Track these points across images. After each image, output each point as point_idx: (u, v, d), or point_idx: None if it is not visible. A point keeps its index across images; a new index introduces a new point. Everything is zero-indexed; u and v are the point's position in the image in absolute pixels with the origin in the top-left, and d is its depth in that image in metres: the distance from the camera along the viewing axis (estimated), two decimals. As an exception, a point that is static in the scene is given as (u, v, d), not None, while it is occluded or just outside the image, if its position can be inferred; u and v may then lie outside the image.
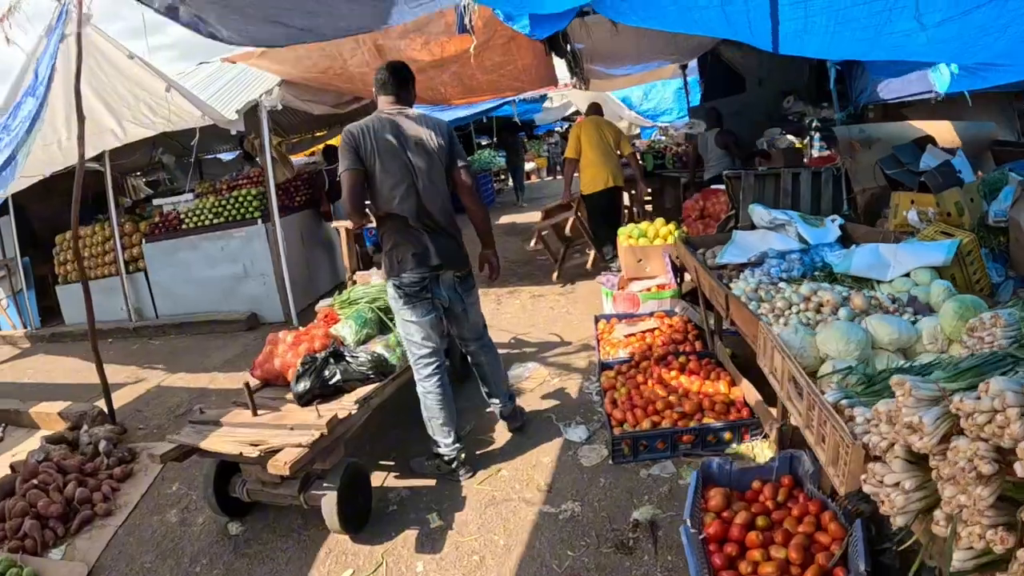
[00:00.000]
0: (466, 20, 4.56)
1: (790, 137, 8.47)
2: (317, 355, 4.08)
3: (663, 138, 10.12)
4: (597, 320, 5.91)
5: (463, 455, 4.06)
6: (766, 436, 3.97)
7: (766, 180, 6.33)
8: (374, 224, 3.95)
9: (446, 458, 4.01)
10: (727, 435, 4.03)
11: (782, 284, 4.57)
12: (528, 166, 22.19)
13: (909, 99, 7.51)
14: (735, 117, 10.44)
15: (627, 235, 6.61)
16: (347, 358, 4.11)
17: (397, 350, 4.39)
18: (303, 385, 3.89)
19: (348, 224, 7.43)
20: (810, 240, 5.57)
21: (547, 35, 4.61)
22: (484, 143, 23.86)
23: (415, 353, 3.96)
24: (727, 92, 10.94)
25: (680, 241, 5.80)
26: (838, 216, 6.08)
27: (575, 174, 8.05)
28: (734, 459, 3.72)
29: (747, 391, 4.31)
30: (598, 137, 7.80)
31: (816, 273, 4.97)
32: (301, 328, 4.83)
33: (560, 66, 8.15)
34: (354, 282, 5.73)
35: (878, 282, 4.43)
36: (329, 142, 11.44)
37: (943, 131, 6.91)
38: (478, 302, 4.25)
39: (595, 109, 8.40)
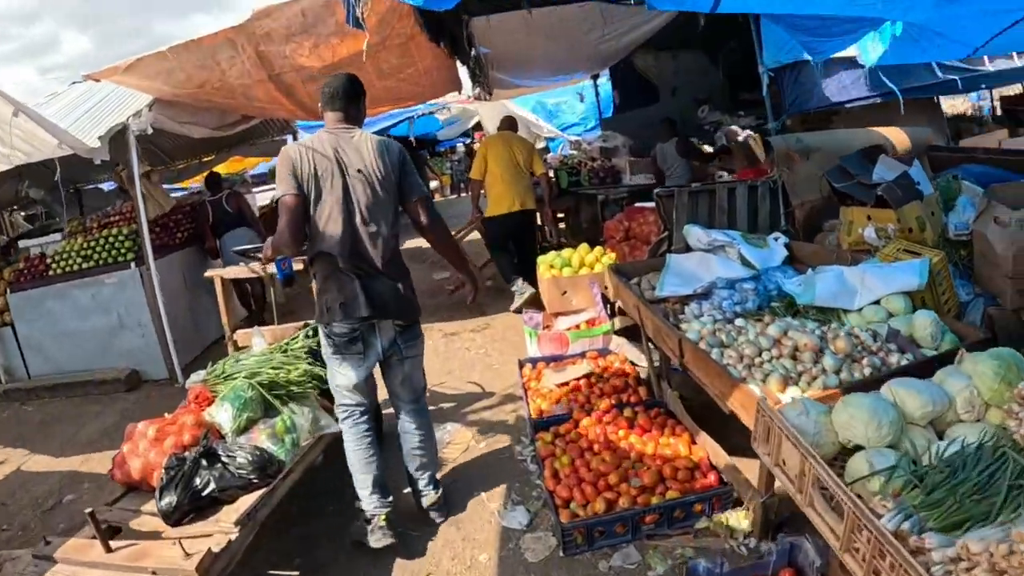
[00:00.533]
0: (358, 11, 3.91)
1: (747, 131, 7.95)
2: (186, 455, 3.26)
3: (575, 153, 9.50)
4: (521, 365, 5.20)
5: (388, 518, 3.51)
6: (739, 502, 3.41)
7: (699, 197, 5.84)
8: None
9: (366, 515, 3.54)
10: (696, 507, 3.40)
11: (739, 322, 4.02)
12: (431, 184, 21.38)
13: (838, 106, 7.12)
14: (648, 128, 10.01)
15: (548, 265, 5.93)
16: (223, 458, 3.30)
17: (287, 439, 3.62)
18: (168, 500, 3.08)
19: (225, 272, 6.47)
20: (756, 263, 5.09)
21: (450, 5, 3.87)
22: None
23: (339, 401, 3.60)
24: (641, 103, 10.52)
25: (610, 270, 5.19)
26: (780, 234, 5.58)
27: (481, 192, 7.42)
28: (716, 540, 3.20)
29: (711, 450, 3.75)
30: (507, 155, 7.14)
31: (774, 304, 4.42)
32: (167, 415, 3.90)
33: (463, 75, 7.45)
34: (236, 345, 4.72)
35: (844, 311, 3.98)
36: (215, 168, 10.33)
37: (881, 137, 6.64)
38: (421, 357, 3.78)
39: (508, 124, 7.70)
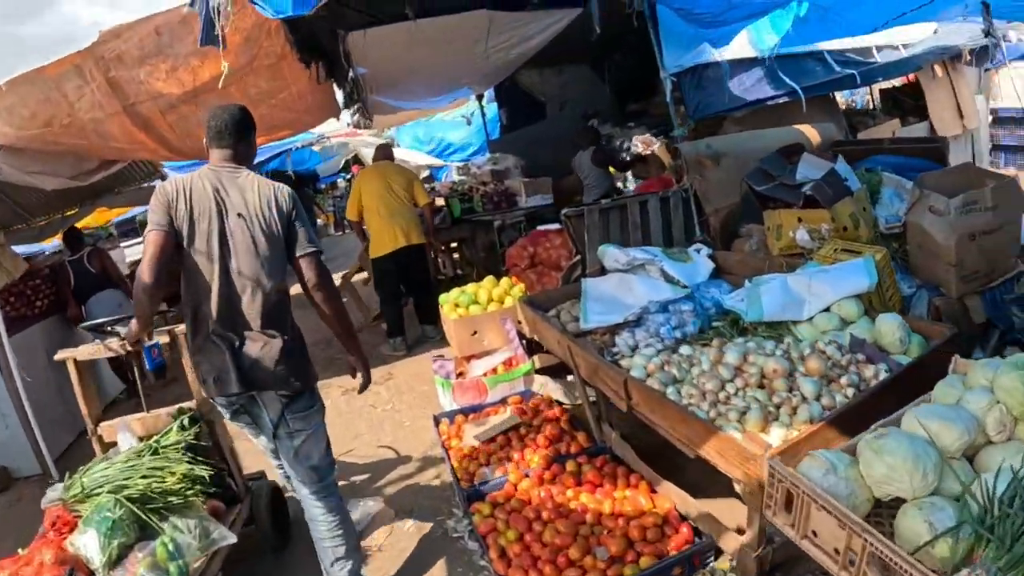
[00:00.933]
0: (218, 27, 3.44)
1: (649, 137, 7.63)
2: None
3: (465, 178, 9.01)
4: (437, 421, 4.60)
5: None
6: (720, 553, 3.05)
7: (610, 213, 5.44)
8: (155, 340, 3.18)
9: None
10: (676, 570, 2.94)
11: (685, 349, 3.59)
12: (317, 223, 20.44)
13: (743, 107, 6.90)
14: (537, 145, 9.71)
15: (453, 304, 5.39)
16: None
17: (172, 568, 2.88)
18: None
19: (78, 353, 5.48)
20: (682, 280, 4.73)
21: (307, 9, 3.36)
22: None
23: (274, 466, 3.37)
24: (528, 120, 10.17)
25: (524, 304, 4.70)
26: (702, 246, 5.26)
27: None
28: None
29: (677, 498, 3.34)
30: (381, 188, 6.60)
31: (716, 324, 4.01)
32: (21, 551, 3.08)
33: (341, 99, 6.86)
34: (102, 442, 3.76)
35: (794, 323, 3.69)
36: (78, 223, 9.23)
37: (791, 136, 6.41)
38: (319, 431, 3.23)
39: (384, 153, 7.14)
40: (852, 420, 2.63)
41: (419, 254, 6.85)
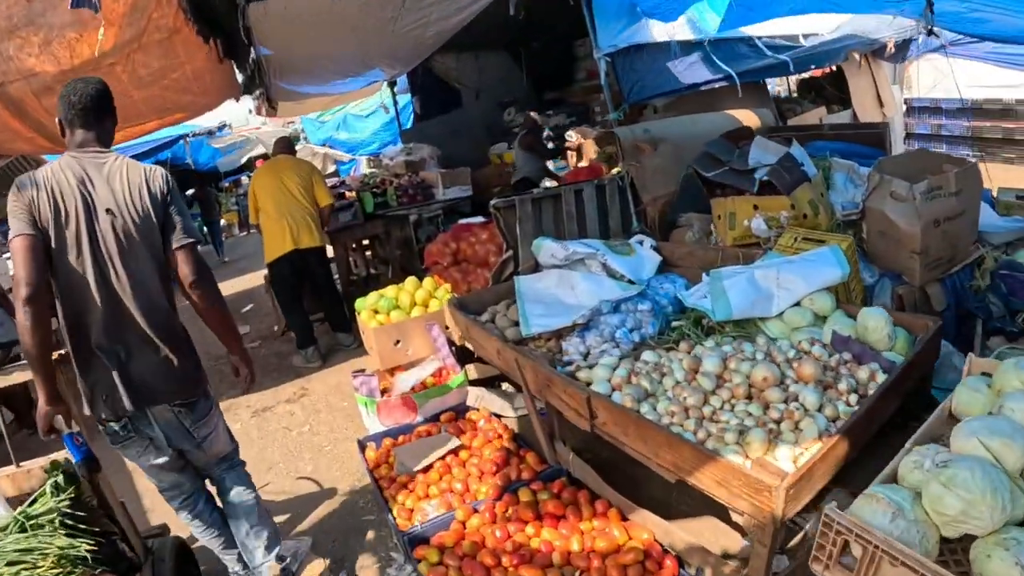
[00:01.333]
0: None
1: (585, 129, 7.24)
2: None
3: (376, 171, 8.45)
4: (363, 447, 4.09)
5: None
6: None
7: (542, 204, 5.01)
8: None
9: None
10: None
11: (649, 355, 3.20)
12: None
13: (677, 92, 6.64)
14: (453, 135, 9.27)
15: (371, 309, 4.87)
16: None
17: None
18: None
19: None
20: (627, 275, 4.31)
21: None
22: None
23: (158, 488, 3.10)
24: (443, 109, 9.70)
25: (452, 307, 4.26)
26: (645, 237, 4.94)
27: None
28: None
29: (656, 527, 2.93)
30: (274, 185, 6.03)
31: (676, 324, 3.66)
32: None
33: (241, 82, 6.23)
34: None
35: (762, 320, 3.44)
36: None
37: (730, 121, 6.32)
38: (218, 428, 3.06)
39: (283, 146, 6.53)
40: (861, 432, 2.31)
41: (317, 257, 6.26)
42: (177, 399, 2.78)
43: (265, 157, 16.36)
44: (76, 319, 2.64)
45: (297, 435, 4.93)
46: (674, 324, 3.67)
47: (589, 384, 3.04)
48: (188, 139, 11.93)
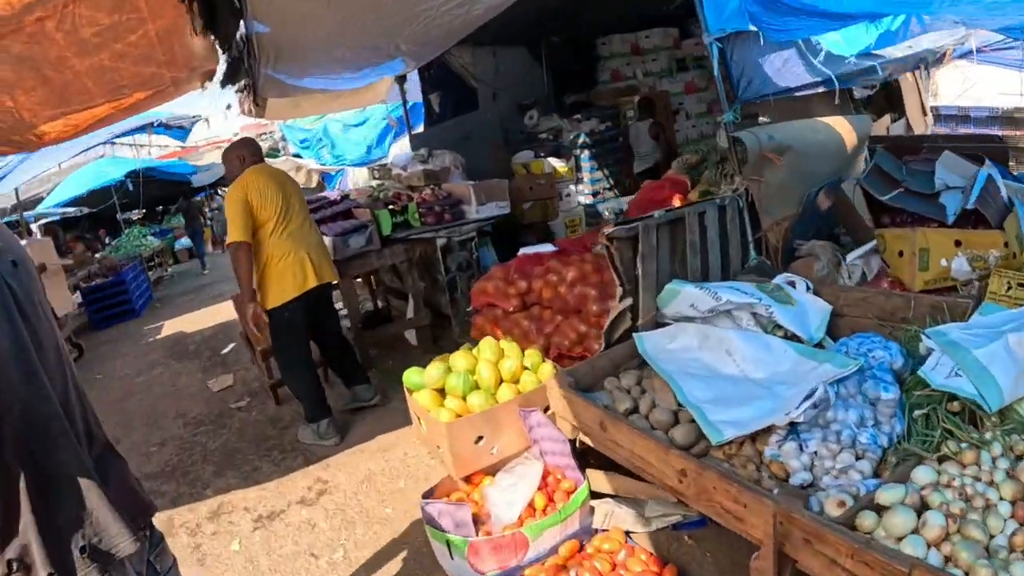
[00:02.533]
0: None
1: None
2: None
3: (385, 183, 6.98)
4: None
5: None
6: None
7: (659, 232, 3.65)
8: None
9: None
10: None
11: (923, 474, 1.97)
12: (186, 242, 17.99)
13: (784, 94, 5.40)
14: (466, 142, 7.91)
15: (434, 388, 3.43)
16: None
17: None
18: None
19: None
20: (798, 332, 3.27)
21: None
22: (135, 218, 19.32)
23: None
24: (457, 110, 8.32)
25: (568, 391, 2.89)
26: (795, 277, 3.74)
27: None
28: None
29: None
30: (281, 200, 4.45)
31: (921, 413, 2.38)
32: None
33: (221, 70, 4.78)
34: None
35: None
36: None
37: (838, 127, 5.21)
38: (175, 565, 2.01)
39: (252, 148, 4.80)
40: None
41: (329, 295, 4.85)
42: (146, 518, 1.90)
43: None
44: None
45: (328, 567, 3.36)
46: (916, 414, 2.37)
47: (868, 533, 1.73)
48: (151, 128, 10.13)
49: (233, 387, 6.20)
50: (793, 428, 2.54)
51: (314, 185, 13.00)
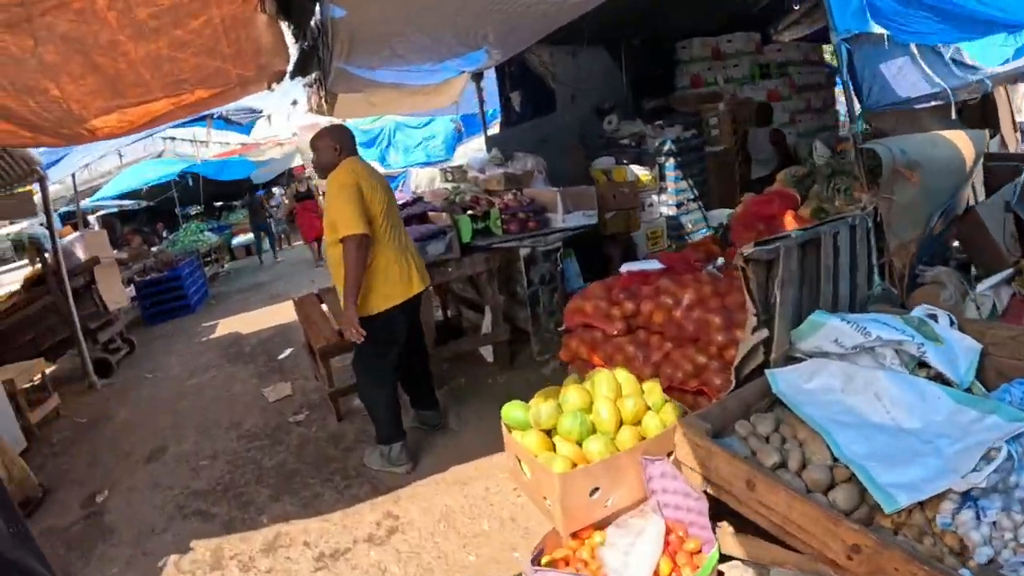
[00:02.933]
0: None
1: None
2: None
3: (460, 186, 6.59)
4: None
5: None
6: None
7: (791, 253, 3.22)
8: None
9: None
10: None
11: None
12: (243, 239, 17.72)
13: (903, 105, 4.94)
14: (543, 146, 7.48)
15: (539, 432, 3.00)
16: None
17: None
18: None
19: None
20: (948, 374, 2.82)
21: None
22: (193, 213, 19.32)
23: None
24: (536, 111, 7.92)
25: (703, 439, 2.46)
26: (935, 310, 3.26)
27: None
28: None
29: None
30: (386, 194, 4.03)
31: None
32: None
33: (293, 61, 4.48)
34: None
35: None
36: None
37: (958, 141, 4.66)
38: None
39: (349, 140, 4.17)
40: None
41: (420, 303, 4.37)
42: None
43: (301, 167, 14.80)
44: None
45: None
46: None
47: None
48: (212, 120, 9.80)
49: (292, 397, 5.81)
50: (967, 492, 2.10)
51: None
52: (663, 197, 7.43)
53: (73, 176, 10.31)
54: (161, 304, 10.76)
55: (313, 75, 5.33)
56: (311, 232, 12.70)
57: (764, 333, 3.00)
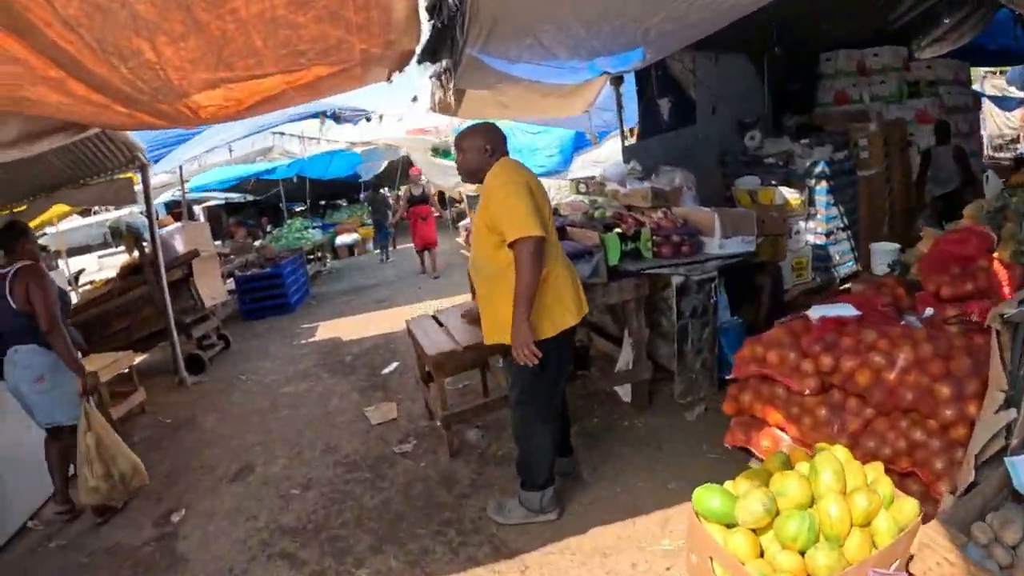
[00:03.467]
0: None
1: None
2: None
3: (598, 199, 6.05)
4: None
5: None
6: None
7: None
8: None
9: None
10: None
11: None
12: (347, 239, 17.42)
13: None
14: (683, 158, 6.90)
15: (749, 524, 2.43)
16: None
17: None
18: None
19: None
20: None
21: None
22: (298, 210, 19.34)
23: None
24: (674, 122, 7.32)
25: (958, 554, 1.85)
26: None
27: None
28: None
29: None
30: (547, 200, 3.49)
31: None
32: None
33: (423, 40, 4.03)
34: None
35: None
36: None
37: None
38: None
39: (501, 141, 3.56)
40: None
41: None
42: None
43: (410, 163, 14.34)
44: None
45: None
46: None
47: None
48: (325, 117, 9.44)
49: (396, 422, 5.28)
50: None
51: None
52: (811, 224, 6.75)
53: (180, 167, 10.18)
54: (260, 301, 10.52)
55: (443, 63, 4.76)
56: (421, 241, 12.06)
57: (1012, 414, 2.39)
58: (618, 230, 4.75)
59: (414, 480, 4.32)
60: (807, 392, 3.19)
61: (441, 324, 4.90)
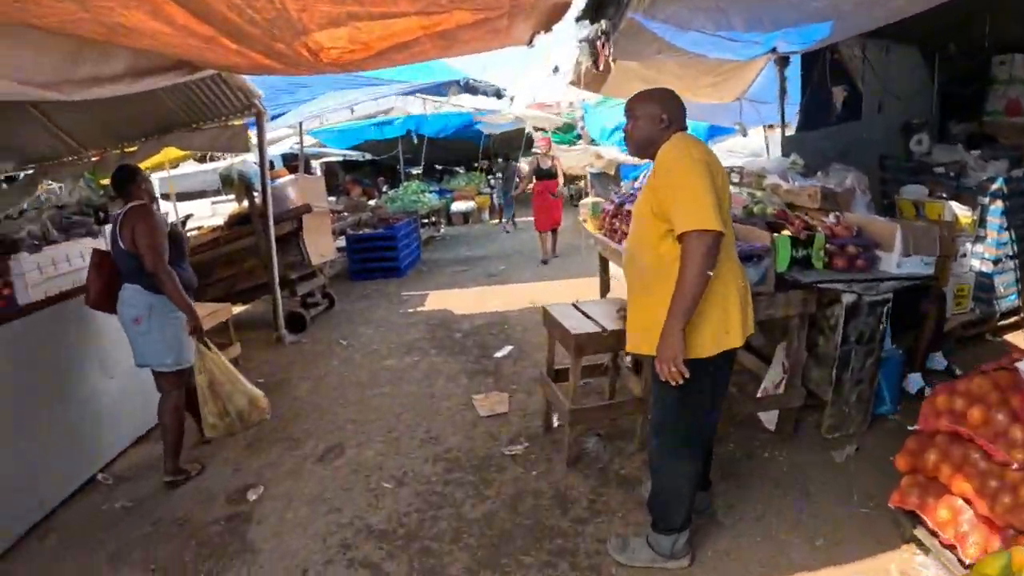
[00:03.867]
0: None
1: None
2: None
3: (758, 194, 5.47)
4: None
5: None
6: None
7: None
8: None
9: None
10: None
11: None
12: (462, 206, 17.11)
13: None
14: (842, 159, 6.25)
15: None
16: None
17: None
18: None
19: None
20: None
21: None
22: (415, 172, 19.20)
23: None
24: (839, 116, 6.71)
25: None
26: None
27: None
28: None
29: None
30: (727, 189, 2.97)
31: None
32: None
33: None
34: None
35: None
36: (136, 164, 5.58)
37: None
38: None
39: (680, 112, 2.98)
40: None
41: None
42: None
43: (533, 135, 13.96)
44: None
45: None
46: None
47: None
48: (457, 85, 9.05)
49: (507, 416, 4.84)
50: None
51: (611, 174, 11.88)
52: (979, 247, 6.07)
53: (300, 124, 9.99)
54: (370, 262, 10.33)
55: (602, 24, 4.16)
56: (546, 220, 11.00)
57: None
58: (787, 232, 4.22)
59: (523, 492, 3.85)
60: (1014, 467, 2.67)
61: (584, 313, 4.43)
